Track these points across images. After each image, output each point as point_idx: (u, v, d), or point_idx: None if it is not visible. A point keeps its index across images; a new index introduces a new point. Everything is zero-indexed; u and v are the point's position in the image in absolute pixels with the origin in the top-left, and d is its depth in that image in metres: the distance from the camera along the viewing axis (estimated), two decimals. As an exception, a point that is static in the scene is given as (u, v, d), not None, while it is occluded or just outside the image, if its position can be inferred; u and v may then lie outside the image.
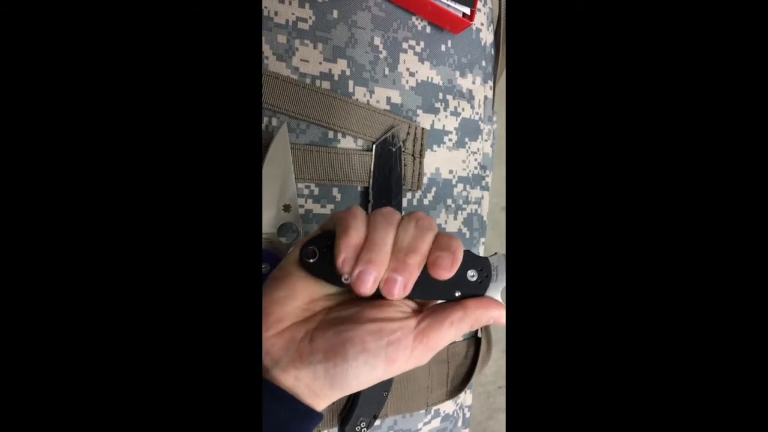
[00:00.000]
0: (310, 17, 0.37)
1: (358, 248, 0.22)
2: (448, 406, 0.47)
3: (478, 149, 0.48)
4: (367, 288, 0.22)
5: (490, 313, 0.24)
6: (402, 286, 0.22)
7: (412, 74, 0.42)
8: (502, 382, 1.29)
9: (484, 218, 0.50)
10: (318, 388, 0.22)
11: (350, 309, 0.23)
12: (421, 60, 0.42)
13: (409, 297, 0.23)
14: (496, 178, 0.53)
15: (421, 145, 0.42)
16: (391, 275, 0.22)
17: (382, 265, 0.22)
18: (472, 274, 0.24)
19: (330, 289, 0.24)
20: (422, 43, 0.42)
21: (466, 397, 0.51)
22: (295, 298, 0.23)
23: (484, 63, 0.47)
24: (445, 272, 0.23)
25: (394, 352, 0.22)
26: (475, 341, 0.48)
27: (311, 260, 0.23)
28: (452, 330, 0.23)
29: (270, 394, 0.21)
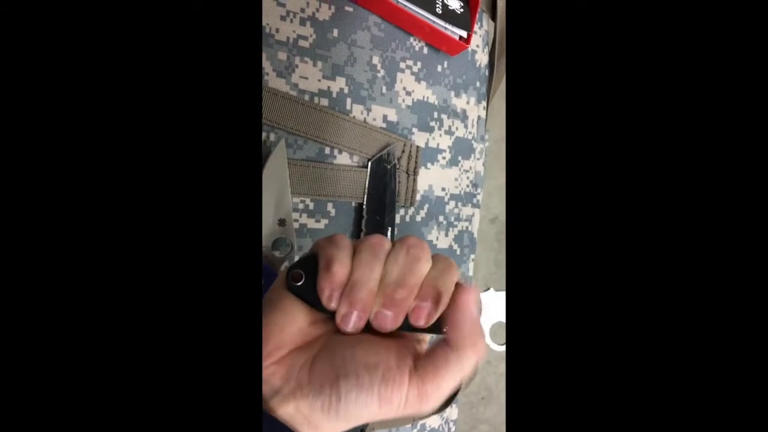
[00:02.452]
0: (311, 35, 0.37)
1: (342, 284, 0.22)
2: (433, 421, 0.48)
3: (471, 167, 0.49)
4: (352, 329, 0.22)
5: (478, 356, 0.22)
6: (392, 321, 0.22)
7: (408, 93, 0.43)
8: (485, 393, 1.30)
9: (475, 235, 0.51)
10: (317, 421, 0.21)
11: (351, 336, 0.22)
12: (418, 80, 0.43)
13: (397, 329, 0.23)
14: (484, 191, 0.54)
15: (416, 162, 0.43)
16: (381, 310, 0.22)
17: (366, 304, 0.22)
18: None
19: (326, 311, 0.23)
20: (419, 64, 0.43)
21: (451, 411, 0.51)
22: (294, 322, 0.22)
23: (478, 84, 0.48)
24: (422, 323, 0.22)
25: (388, 391, 0.21)
26: (462, 356, 0.49)
27: (297, 284, 0.22)
28: (449, 379, 0.21)
29: (266, 425, 0.20)
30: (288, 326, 0.22)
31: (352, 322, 0.22)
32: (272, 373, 0.21)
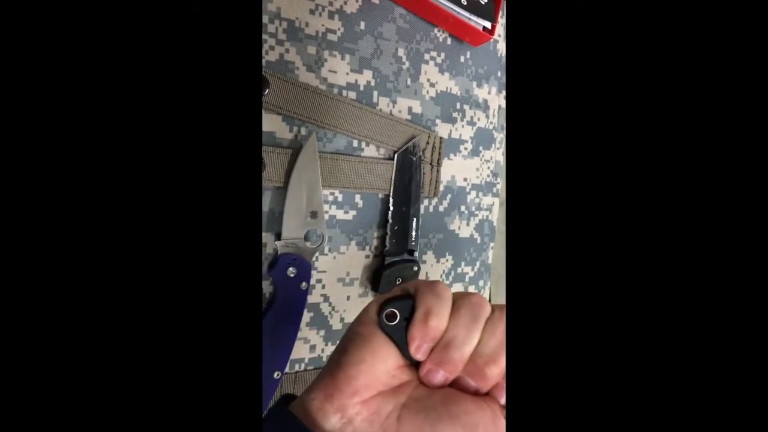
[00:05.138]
0: (339, 29, 0.38)
1: (435, 339, 0.21)
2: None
3: (491, 157, 0.49)
4: (435, 385, 0.21)
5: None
6: (473, 390, 0.21)
7: (432, 85, 0.43)
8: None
9: (494, 223, 0.52)
10: None
11: (443, 389, 0.21)
12: (441, 71, 0.43)
13: None
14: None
15: (439, 153, 0.43)
16: (466, 378, 0.21)
17: (457, 366, 0.21)
18: None
19: None
20: (443, 55, 0.43)
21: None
22: (384, 363, 0.21)
23: (499, 74, 0.48)
24: (504, 401, 0.21)
25: None
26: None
27: (390, 323, 0.22)
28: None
29: None
30: (378, 366, 0.21)
31: (437, 381, 0.21)
32: (357, 413, 0.20)
